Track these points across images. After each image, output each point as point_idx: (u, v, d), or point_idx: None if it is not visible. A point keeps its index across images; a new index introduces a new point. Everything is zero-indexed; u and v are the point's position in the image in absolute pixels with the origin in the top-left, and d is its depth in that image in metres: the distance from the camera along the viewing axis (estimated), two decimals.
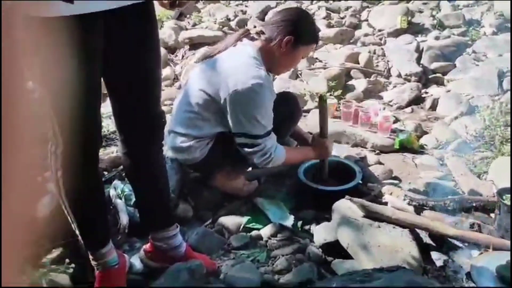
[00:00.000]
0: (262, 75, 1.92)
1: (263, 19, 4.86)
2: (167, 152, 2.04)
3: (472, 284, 1.41)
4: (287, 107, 2.15)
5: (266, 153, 1.96)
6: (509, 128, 2.54)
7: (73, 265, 1.49)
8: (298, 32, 1.97)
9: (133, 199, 1.88)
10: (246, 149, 1.95)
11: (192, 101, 1.98)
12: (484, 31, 4.54)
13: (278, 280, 1.63)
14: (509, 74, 3.47)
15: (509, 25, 4.63)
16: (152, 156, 1.50)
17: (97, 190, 1.46)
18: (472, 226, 1.68)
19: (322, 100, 2.13)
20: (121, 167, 2.20)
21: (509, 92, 3.25)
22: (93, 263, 1.48)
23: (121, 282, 1.49)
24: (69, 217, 1.42)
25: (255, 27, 2.09)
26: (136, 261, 1.66)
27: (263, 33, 2.00)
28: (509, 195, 1.67)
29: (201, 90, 1.95)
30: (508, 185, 1.78)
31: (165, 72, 3.69)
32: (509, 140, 2.45)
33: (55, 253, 1.59)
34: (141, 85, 1.37)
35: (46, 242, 1.59)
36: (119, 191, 1.93)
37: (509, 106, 2.77)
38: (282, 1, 5.67)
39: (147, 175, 1.53)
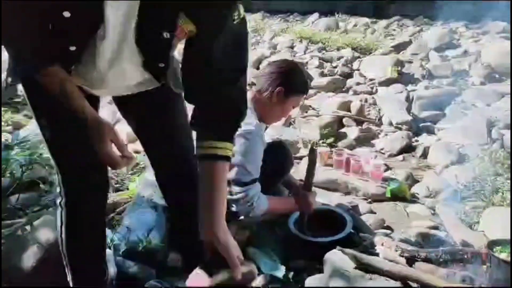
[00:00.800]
0: (252, 122, 1.96)
1: (257, 68, 5.00)
2: (159, 200, 2.04)
3: None
4: (278, 157, 2.17)
5: (248, 201, 1.96)
6: (499, 178, 2.57)
7: None
8: (288, 83, 2.03)
9: (122, 249, 1.86)
10: (229, 196, 1.95)
11: None
12: (472, 81, 4.69)
13: None
14: (497, 124, 3.54)
15: (496, 75, 4.79)
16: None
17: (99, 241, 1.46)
18: (463, 280, 1.66)
19: (312, 152, 2.15)
20: (111, 215, 2.20)
21: (498, 142, 3.31)
22: None
23: None
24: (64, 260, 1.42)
25: None
26: None
27: (254, 84, 2.06)
28: (499, 247, 1.66)
29: None
30: (499, 236, 1.79)
31: None
32: (500, 190, 2.48)
33: None
34: (170, 140, 1.43)
35: None
36: (108, 240, 1.91)
37: (498, 155, 2.82)
38: (276, 50, 5.86)
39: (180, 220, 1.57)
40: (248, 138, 1.92)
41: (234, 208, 1.97)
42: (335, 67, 5.23)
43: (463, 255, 1.82)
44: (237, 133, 1.86)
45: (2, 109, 3.60)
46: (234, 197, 1.94)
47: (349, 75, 5.03)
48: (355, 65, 5.27)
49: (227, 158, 1.12)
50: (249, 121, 1.95)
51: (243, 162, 1.91)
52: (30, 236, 1.73)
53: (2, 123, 3.46)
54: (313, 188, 2.27)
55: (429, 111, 4.03)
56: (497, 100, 4.11)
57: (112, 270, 1.73)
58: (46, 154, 2.17)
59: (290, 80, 2.05)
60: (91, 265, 1.47)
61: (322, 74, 5.00)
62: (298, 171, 2.95)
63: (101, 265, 1.52)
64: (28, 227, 1.75)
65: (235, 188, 1.93)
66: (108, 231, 1.96)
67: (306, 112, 4.07)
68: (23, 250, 1.68)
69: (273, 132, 3.36)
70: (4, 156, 1.85)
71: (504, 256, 1.63)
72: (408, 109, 4.03)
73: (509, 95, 4.05)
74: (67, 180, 1.35)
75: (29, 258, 1.65)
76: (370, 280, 1.72)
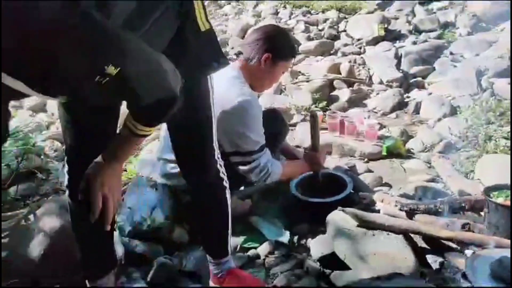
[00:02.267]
0: (247, 92, 1.96)
1: (243, 37, 4.92)
2: (158, 179, 2.05)
3: (469, 284, 1.43)
4: (274, 125, 2.17)
5: (263, 169, 1.98)
6: (491, 126, 2.60)
7: None
8: (275, 48, 2.01)
9: (127, 229, 1.88)
10: (242, 167, 1.97)
11: None
12: (460, 32, 4.66)
13: None
14: (486, 73, 3.55)
15: (483, 24, 4.75)
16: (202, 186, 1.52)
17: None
18: (463, 226, 1.71)
19: (313, 116, 2.17)
20: None
21: (488, 91, 3.32)
22: None
23: None
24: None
25: (232, 48, 2.14)
26: None
27: (241, 53, 2.04)
28: (496, 192, 1.70)
29: None
30: (494, 182, 1.82)
31: None
32: (492, 137, 2.51)
33: None
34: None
35: (44, 281, 1.58)
36: None
37: (489, 103, 2.84)
38: (261, 18, 5.77)
39: (198, 203, 1.58)
40: (246, 108, 1.92)
41: (253, 178, 1.99)
42: (321, 30, 5.16)
43: (461, 203, 1.87)
44: (234, 105, 1.88)
45: None
46: (248, 167, 1.95)
47: (336, 37, 4.97)
48: (341, 26, 5.19)
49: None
50: (244, 91, 1.94)
51: (247, 132, 1.92)
52: (35, 225, 1.74)
53: None
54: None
55: (419, 66, 4.02)
56: (486, 49, 4.09)
57: (120, 250, 1.75)
58: (39, 143, 2.17)
59: (277, 45, 2.03)
60: (100, 248, 1.49)
61: (309, 38, 4.93)
62: (293, 138, 2.96)
63: (111, 247, 1.54)
64: (31, 217, 1.76)
65: (247, 158, 1.95)
66: None
67: (296, 78, 4.04)
68: (29, 240, 1.69)
69: (265, 100, 3.35)
70: None
71: (500, 200, 1.67)
72: (398, 66, 4.02)
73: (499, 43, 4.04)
74: (73, 174, 1.36)
75: (36, 247, 1.67)
76: (373, 236, 1.77)
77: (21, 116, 3.54)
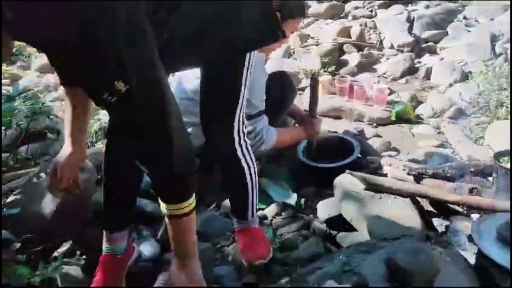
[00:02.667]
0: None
1: None
2: None
3: (474, 247, 1.44)
4: (281, 88, 2.15)
5: (257, 134, 1.97)
6: (503, 92, 2.56)
7: (84, 257, 1.52)
8: (284, 6, 1.95)
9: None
10: None
11: (187, 88, 1.98)
12: None
13: (287, 257, 1.66)
14: (501, 38, 3.46)
15: None
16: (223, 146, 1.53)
17: (134, 172, 1.47)
18: (471, 190, 1.71)
19: (314, 80, 2.14)
20: None
21: (502, 56, 3.25)
22: (103, 244, 1.52)
23: (118, 273, 1.51)
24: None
25: None
26: (145, 248, 1.69)
27: None
28: (506, 158, 1.69)
29: (193, 76, 1.95)
30: (504, 148, 1.81)
31: None
32: (504, 104, 2.48)
33: (66, 246, 1.62)
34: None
35: (56, 236, 1.62)
36: None
37: (503, 69, 2.78)
38: None
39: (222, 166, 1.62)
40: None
41: None
42: None
43: (469, 168, 1.86)
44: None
45: None
46: None
47: (346, 0, 4.85)
48: None
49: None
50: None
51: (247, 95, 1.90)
52: (46, 183, 1.76)
53: None
54: (319, 116, 2.28)
55: (431, 30, 3.93)
56: (501, 14, 3.98)
57: None
58: (48, 103, 2.16)
59: (286, 3, 1.97)
60: (122, 204, 1.54)
61: (319, 1, 4.82)
62: (301, 102, 2.94)
63: (132, 205, 1.59)
64: (42, 175, 1.78)
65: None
66: None
67: (305, 41, 3.97)
68: (41, 197, 1.72)
69: (274, 64, 3.31)
70: (9, 107, 1.84)
71: (510, 165, 1.66)
72: (409, 30, 3.93)
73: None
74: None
75: (48, 204, 1.70)
76: (380, 199, 1.78)
77: (29, 77, 3.54)
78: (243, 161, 1.55)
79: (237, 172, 1.57)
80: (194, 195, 1.22)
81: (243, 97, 1.46)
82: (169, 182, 1.17)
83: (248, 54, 1.41)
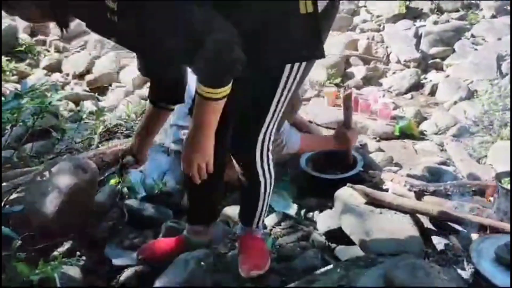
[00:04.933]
0: None
1: None
2: (171, 145, 2.07)
3: (472, 267, 1.45)
4: None
5: (276, 139, 1.96)
6: (507, 112, 2.57)
7: (84, 257, 1.53)
8: None
9: (140, 192, 1.92)
10: None
11: (192, 93, 2.00)
12: (483, 15, 4.54)
13: (284, 268, 1.66)
14: (508, 58, 3.48)
15: (508, 8, 4.62)
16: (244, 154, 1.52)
17: (219, 172, 1.51)
18: (472, 210, 1.71)
19: (347, 98, 2.15)
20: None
21: (508, 76, 3.26)
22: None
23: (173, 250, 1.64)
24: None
25: None
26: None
27: None
28: (508, 179, 1.70)
29: None
30: (507, 169, 1.81)
31: None
32: (508, 124, 2.48)
33: (66, 246, 1.63)
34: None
35: (57, 235, 1.63)
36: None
37: (508, 90, 2.79)
38: None
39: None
40: None
41: None
42: (341, 4, 5.08)
43: (471, 187, 1.87)
44: None
45: (5, 59, 3.56)
46: None
47: (355, 13, 4.88)
48: (361, 1, 5.09)
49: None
50: None
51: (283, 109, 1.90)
52: (50, 182, 1.77)
53: (7, 73, 3.44)
54: (320, 129, 2.29)
55: (438, 47, 3.94)
56: (508, 33, 3.99)
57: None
58: (55, 102, 2.18)
59: None
60: (204, 203, 1.67)
61: None
62: (306, 112, 2.95)
63: (214, 204, 1.73)
64: (46, 174, 1.80)
65: None
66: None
67: None
68: (45, 195, 1.73)
69: None
70: (15, 105, 1.86)
71: (510, 187, 1.66)
72: (417, 46, 3.95)
73: None
74: None
75: (51, 202, 1.71)
76: (380, 214, 1.78)
77: (36, 75, 3.57)
78: (260, 174, 1.52)
79: (253, 183, 1.55)
80: (230, 84, 1.21)
81: (276, 110, 1.41)
82: (212, 68, 1.17)
83: (287, 68, 1.35)
